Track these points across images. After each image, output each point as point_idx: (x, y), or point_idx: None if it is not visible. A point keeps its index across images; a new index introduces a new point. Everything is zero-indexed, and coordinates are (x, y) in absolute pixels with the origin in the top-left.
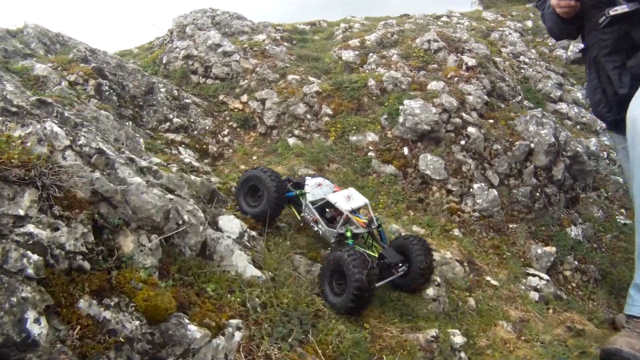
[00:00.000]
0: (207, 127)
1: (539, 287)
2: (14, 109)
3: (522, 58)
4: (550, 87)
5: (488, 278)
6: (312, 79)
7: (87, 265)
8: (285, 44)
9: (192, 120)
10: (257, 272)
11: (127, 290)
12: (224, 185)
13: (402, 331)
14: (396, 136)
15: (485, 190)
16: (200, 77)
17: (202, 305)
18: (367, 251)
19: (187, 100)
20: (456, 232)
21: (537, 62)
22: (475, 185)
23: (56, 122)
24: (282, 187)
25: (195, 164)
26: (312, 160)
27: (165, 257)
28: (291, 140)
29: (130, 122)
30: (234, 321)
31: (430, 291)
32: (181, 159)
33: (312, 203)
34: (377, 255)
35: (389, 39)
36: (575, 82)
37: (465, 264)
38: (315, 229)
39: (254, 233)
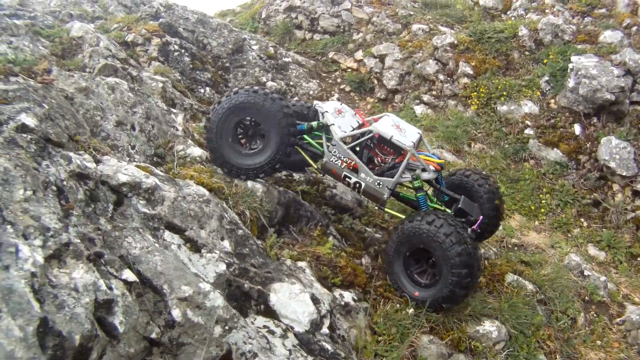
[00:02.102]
0: (311, 92)
1: None
2: None
3: None
4: None
5: None
6: (443, 28)
7: None
8: None
9: (291, 83)
10: None
11: None
12: (313, 189)
13: None
14: (563, 107)
15: None
16: (306, 32)
17: None
18: (434, 205)
19: (286, 59)
20: None
21: None
22: None
23: None
24: (291, 114)
25: None
26: (447, 137)
27: None
28: (419, 109)
29: (208, 89)
30: None
31: None
32: None
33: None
34: (443, 208)
35: None
36: None
37: None
38: (352, 181)
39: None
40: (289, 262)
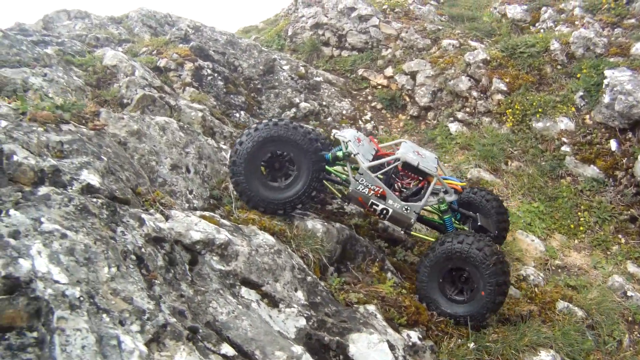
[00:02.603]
0: (343, 111)
1: None
2: None
3: None
4: None
5: None
6: (473, 43)
7: None
8: (432, 2)
9: (324, 103)
10: None
11: None
12: (366, 222)
13: None
14: (599, 122)
15: None
16: (334, 49)
17: None
18: (456, 225)
19: (318, 79)
20: None
21: None
22: None
23: None
24: (319, 147)
25: None
26: (484, 155)
27: None
28: (453, 126)
29: (243, 113)
30: None
31: None
32: None
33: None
34: (462, 227)
35: None
36: None
37: None
38: (379, 208)
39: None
40: (362, 309)
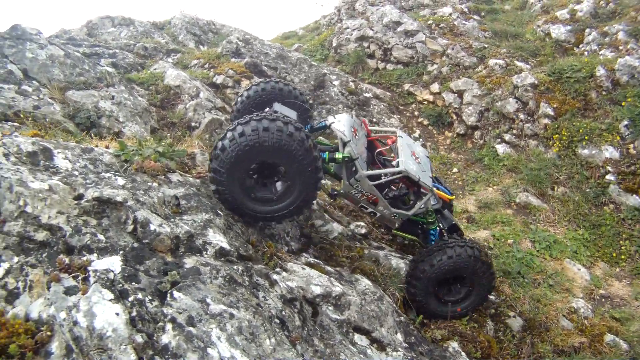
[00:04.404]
0: (393, 127)
1: None
2: None
3: None
4: None
5: None
6: (519, 64)
7: None
8: (475, 16)
9: (374, 119)
10: None
11: None
12: None
13: None
14: None
15: None
16: (379, 62)
17: None
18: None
19: (367, 94)
20: None
21: None
22: None
23: None
24: (317, 158)
25: None
26: (531, 180)
27: None
28: (500, 148)
29: None
30: None
31: None
32: None
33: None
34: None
35: (604, 9)
36: None
37: None
38: (368, 211)
39: None
40: (450, 348)
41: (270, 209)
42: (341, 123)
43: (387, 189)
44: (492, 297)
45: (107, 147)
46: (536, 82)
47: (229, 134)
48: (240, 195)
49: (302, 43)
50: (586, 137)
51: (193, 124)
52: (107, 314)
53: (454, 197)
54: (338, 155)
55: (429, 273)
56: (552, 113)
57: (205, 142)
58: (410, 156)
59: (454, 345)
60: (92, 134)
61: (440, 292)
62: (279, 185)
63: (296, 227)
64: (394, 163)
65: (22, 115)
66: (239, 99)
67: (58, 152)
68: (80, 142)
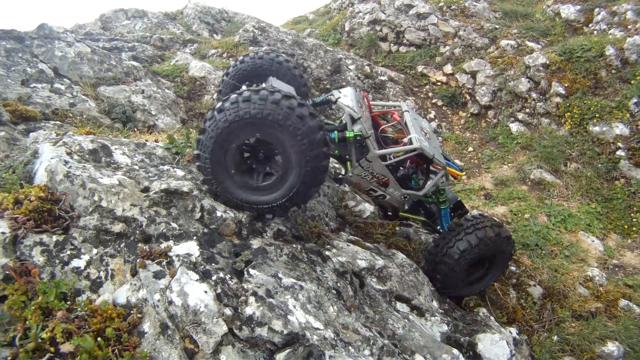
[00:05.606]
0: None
1: None
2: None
3: None
4: None
5: None
6: (530, 44)
7: None
8: None
9: (390, 102)
10: None
11: None
12: None
13: None
14: None
15: None
16: (392, 45)
17: None
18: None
19: (382, 77)
20: None
21: None
22: None
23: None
24: (323, 137)
25: None
26: (544, 156)
27: None
28: (514, 126)
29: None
30: None
31: None
32: None
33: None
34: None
35: None
36: None
37: None
38: (377, 194)
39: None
40: (481, 313)
41: (265, 199)
42: (348, 98)
43: (397, 169)
44: (513, 267)
45: (156, 141)
46: (547, 62)
47: (210, 114)
48: (229, 183)
49: (313, 28)
50: (597, 115)
51: None
52: (197, 292)
53: (463, 173)
54: (349, 134)
55: (461, 259)
56: (563, 92)
57: None
58: (420, 132)
59: (483, 310)
60: (135, 129)
61: (472, 274)
62: (268, 168)
63: (332, 208)
64: (405, 140)
65: (59, 114)
66: (230, 69)
67: (115, 149)
68: (128, 137)
